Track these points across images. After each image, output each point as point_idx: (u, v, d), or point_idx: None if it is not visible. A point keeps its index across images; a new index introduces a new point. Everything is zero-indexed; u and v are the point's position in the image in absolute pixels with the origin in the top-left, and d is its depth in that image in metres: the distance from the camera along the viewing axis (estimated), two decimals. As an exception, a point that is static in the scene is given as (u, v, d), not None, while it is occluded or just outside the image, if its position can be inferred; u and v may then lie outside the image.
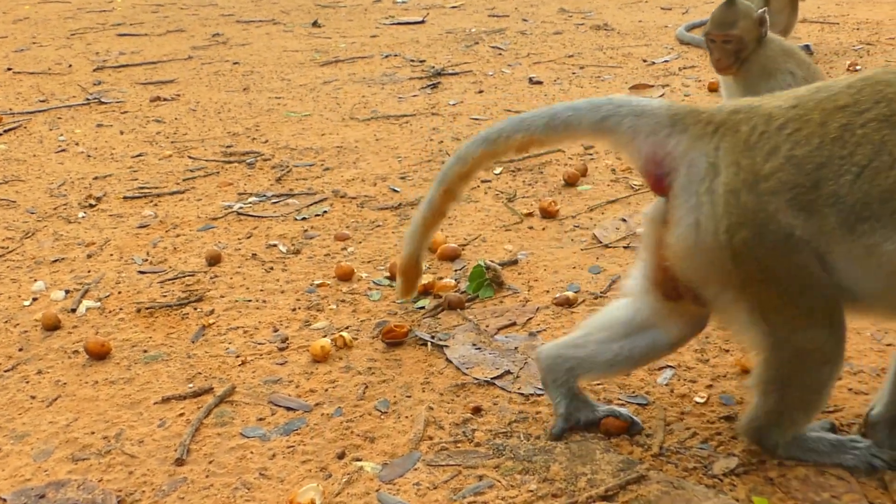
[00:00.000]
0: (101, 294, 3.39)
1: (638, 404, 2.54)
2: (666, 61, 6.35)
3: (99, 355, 2.93)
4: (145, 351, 2.98)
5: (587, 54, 6.74)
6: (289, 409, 2.63)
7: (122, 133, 5.42)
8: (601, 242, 3.62)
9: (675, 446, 2.34)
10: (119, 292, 3.41)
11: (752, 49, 3.84)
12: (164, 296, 3.37)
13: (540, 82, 6.01)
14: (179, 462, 2.38)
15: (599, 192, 4.10)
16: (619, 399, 2.56)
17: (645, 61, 6.38)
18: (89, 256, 3.74)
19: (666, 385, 2.62)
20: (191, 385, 2.76)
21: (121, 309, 3.28)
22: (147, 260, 3.69)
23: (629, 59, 6.47)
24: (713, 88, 5.56)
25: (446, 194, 2.45)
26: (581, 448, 2.35)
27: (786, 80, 3.79)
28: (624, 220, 3.78)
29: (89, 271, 3.60)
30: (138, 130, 5.47)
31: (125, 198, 4.37)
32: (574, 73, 6.20)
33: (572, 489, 2.19)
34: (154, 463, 2.39)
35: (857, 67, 5.75)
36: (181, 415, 2.62)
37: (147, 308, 3.26)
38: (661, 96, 5.51)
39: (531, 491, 2.20)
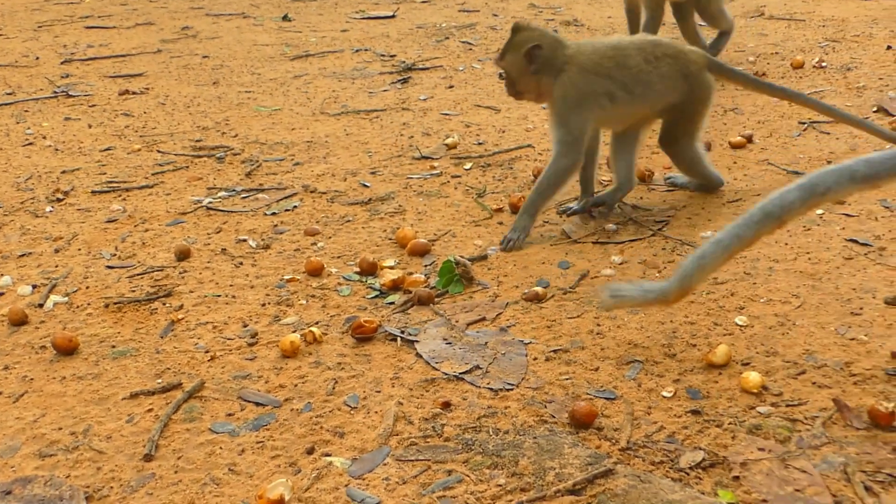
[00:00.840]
0: (68, 289, 3.37)
1: (605, 398, 2.55)
2: (636, 57, 6.38)
3: (66, 350, 2.92)
4: (113, 346, 2.97)
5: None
6: (258, 404, 2.63)
7: (90, 126, 5.39)
8: (570, 238, 3.63)
9: (642, 440, 2.36)
10: (87, 287, 3.39)
11: (540, 81, 3.65)
12: (133, 291, 3.36)
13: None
14: (148, 458, 2.38)
15: (569, 188, 4.11)
16: (587, 393, 2.58)
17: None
18: (57, 251, 3.71)
19: (633, 380, 2.64)
20: (159, 380, 2.75)
21: (89, 304, 3.26)
22: (115, 255, 3.67)
23: (599, 55, 6.49)
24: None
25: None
26: (549, 442, 2.37)
27: (601, 102, 3.62)
28: (592, 216, 3.80)
29: (57, 266, 3.58)
30: (107, 124, 5.43)
31: (93, 192, 4.34)
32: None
33: (540, 483, 2.21)
34: (122, 459, 2.38)
35: (823, 64, 5.81)
36: (150, 410, 2.61)
37: (115, 303, 3.25)
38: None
39: (500, 485, 2.21)
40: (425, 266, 3.46)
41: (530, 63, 3.60)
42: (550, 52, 3.61)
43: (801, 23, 7.12)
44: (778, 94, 4.21)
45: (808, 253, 3.35)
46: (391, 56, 6.87)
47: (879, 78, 5.46)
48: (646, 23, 5.94)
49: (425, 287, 3.27)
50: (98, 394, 2.69)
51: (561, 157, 3.60)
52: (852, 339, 2.76)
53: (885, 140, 4.09)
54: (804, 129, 4.68)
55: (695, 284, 2.64)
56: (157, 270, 3.52)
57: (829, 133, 4.60)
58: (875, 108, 4.90)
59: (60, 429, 2.52)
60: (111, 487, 2.27)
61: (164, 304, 3.25)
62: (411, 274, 3.38)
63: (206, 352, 2.91)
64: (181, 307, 3.22)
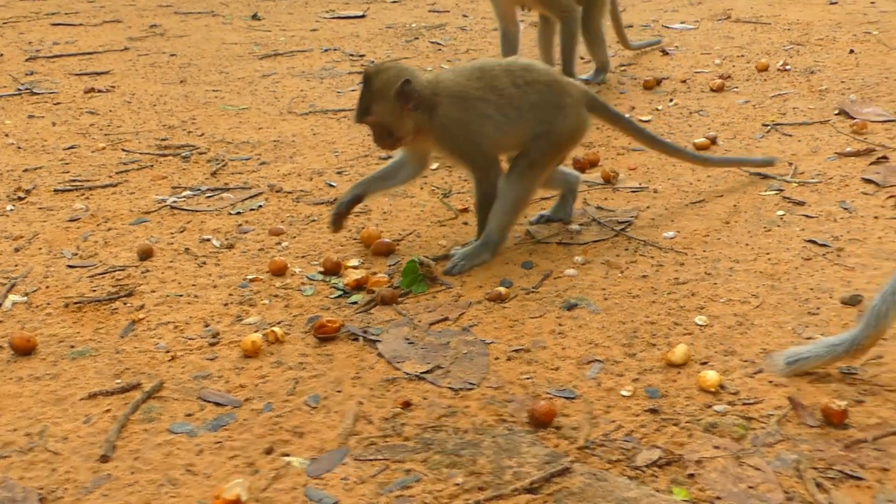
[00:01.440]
0: (28, 288, 3.35)
1: (565, 398, 2.57)
2: (603, 58, 6.40)
3: (24, 351, 2.89)
4: (72, 346, 2.95)
5: (525, 51, 6.75)
6: (218, 404, 2.62)
7: (54, 125, 5.35)
8: (534, 238, 3.64)
9: (600, 439, 2.37)
10: (47, 287, 3.37)
11: (417, 119, 3.35)
12: (94, 290, 3.34)
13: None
14: (104, 459, 2.36)
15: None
16: (547, 393, 2.59)
17: (582, 58, 6.42)
18: (17, 250, 3.68)
19: (593, 379, 2.65)
20: (118, 381, 2.74)
21: (48, 304, 3.24)
22: (77, 254, 3.65)
23: (567, 56, 6.51)
24: (648, 86, 5.63)
25: None
26: (508, 441, 2.38)
27: (484, 125, 3.36)
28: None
29: (17, 265, 3.55)
30: (71, 122, 5.39)
31: (56, 190, 4.31)
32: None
33: (498, 482, 2.22)
34: (78, 460, 2.37)
35: (788, 67, 5.86)
36: (107, 411, 2.59)
37: (75, 303, 3.23)
38: (597, 93, 5.55)
39: (458, 484, 2.22)
40: (389, 266, 3.46)
41: (406, 102, 3.28)
42: (420, 84, 3.31)
43: (767, 26, 7.18)
44: (657, 146, 3.87)
45: (768, 253, 3.38)
46: (360, 56, 6.86)
47: (842, 81, 5.52)
48: (563, 28, 5.55)
49: (389, 287, 3.27)
50: (55, 394, 2.68)
51: (484, 182, 3.43)
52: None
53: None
54: (767, 132, 4.72)
55: (890, 324, 2.53)
56: (119, 270, 3.50)
57: (791, 135, 4.64)
58: (837, 111, 4.95)
59: (15, 430, 2.50)
60: (66, 489, 2.26)
61: (125, 303, 3.23)
62: (375, 274, 3.38)
63: (167, 352, 2.90)
64: (142, 307, 3.20)
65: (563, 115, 3.42)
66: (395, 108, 3.29)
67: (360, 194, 3.64)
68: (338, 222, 3.62)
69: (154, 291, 3.32)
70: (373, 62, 6.62)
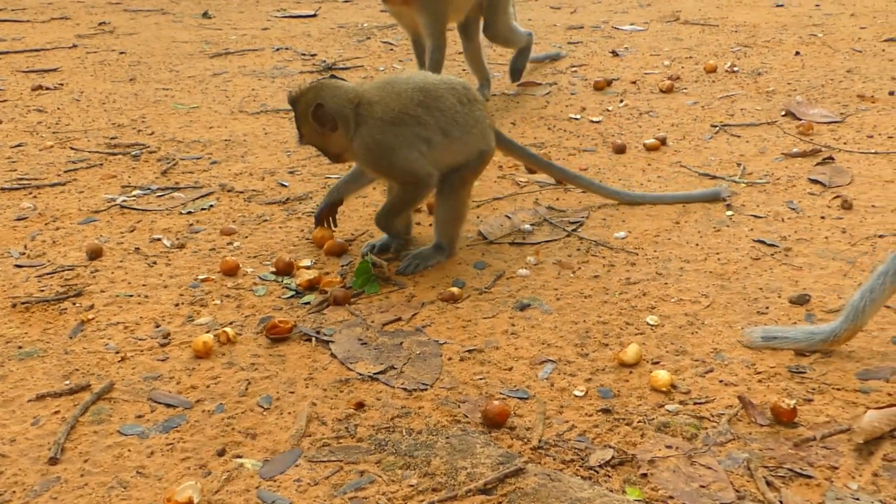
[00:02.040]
0: (-26, 289, 3.30)
1: (519, 398, 2.58)
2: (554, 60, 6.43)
3: (-29, 352, 2.85)
4: (20, 347, 2.91)
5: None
6: (169, 405, 2.60)
7: (0, 122, 5.26)
8: (486, 239, 3.66)
9: (553, 439, 2.39)
10: (-6, 287, 3.32)
11: (343, 138, 3.34)
12: (42, 290, 3.29)
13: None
14: (53, 461, 2.33)
15: (485, 188, 4.14)
16: (500, 393, 2.60)
17: (533, 59, 6.45)
18: (-37, 250, 3.63)
19: (546, 379, 2.67)
20: (67, 382, 2.71)
21: (-5, 304, 3.19)
22: (24, 253, 3.60)
23: (519, 57, 6.54)
24: (599, 87, 5.66)
25: None
26: (462, 442, 2.38)
27: (418, 149, 3.31)
28: (508, 217, 3.83)
29: (-37, 266, 3.49)
30: (18, 120, 5.31)
31: (2, 189, 4.25)
32: (464, 70, 6.23)
33: (452, 483, 2.22)
34: (26, 462, 2.34)
35: (735, 69, 5.92)
36: (56, 412, 2.56)
37: (23, 303, 3.18)
38: (547, 94, 5.59)
39: (412, 485, 2.22)
40: (342, 266, 3.46)
41: (322, 125, 3.30)
42: (337, 106, 3.28)
43: (715, 28, 7.26)
44: (556, 173, 3.92)
45: (717, 253, 3.42)
46: (312, 55, 6.83)
47: (788, 83, 5.60)
48: (431, 53, 5.21)
49: (341, 287, 3.26)
50: (2, 396, 2.64)
51: (403, 197, 3.42)
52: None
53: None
54: (716, 133, 4.77)
55: (867, 320, 2.66)
56: (68, 270, 3.45)
57: (739, 136, 4.70)
58: (783, 112, 5.02)
59: (-37, 432, 2.47)
60: (13, 492, 2.23)
61: (74, 303, 3.19)
62: (328, 274, 3.37)
63: (117, 352, 2.87)
64: (92, 307, 3.17)
65: (492, 132, 3.50)
66: (317, 131, 3.34)
67: (335, 200, 3.65)
68: (321, 220, 3.68)
69: (104, 291, 3.28)
70: (324, 62, 6.60)
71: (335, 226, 3.68)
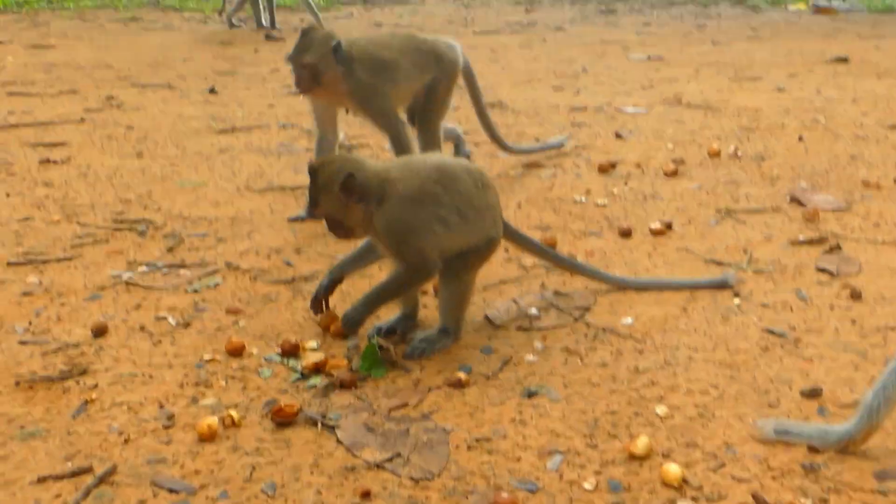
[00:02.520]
0: (-22, 366, 3.27)
1: (527, 490, 2.54)
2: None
3: (-27, 432, 2.82)
4: (22, 427, 2.88)
5: (482, 131, 6.82)
6: (171, 490, 2.56)
7: (7, 196, 5.28)
8: (493, 323, 3.64)
9: (563, 533, 2.35)
10: (-3, 364, 3.29)
11: (364, 211, 3.31)
12: (46, 368, 3.27)
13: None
14: (55, 549, 2.30)
15: (492, 271, 4.13)
16: (508, 484, 2.57)
17: (538, 140, 6.51)
18: (-33, 326, 3.61)
19: (555, 471, 2.64)
20: (69, 464, 2.67)
21: (-1, 382, 3.17)
22: (29, 330, 3.58)
23: (523, 138, 6.59)
24: (603, 170, 5.70)
25: None
26: (470, 534, 2.34)
27: (434, 230, 3.31)
28: (515, 302, 3.82)
29: (-33, 342, 3.47)
30: (25, 194, 5.33)
31: (8, 263, 4.24)
32: (469, 150, 6.28)
33: (461, 578, 2.18)
34: (28, 549, 2.30)
35: (739, 153, 5.97)
36: (58, 496, 2.53)
37: (26, 381, 3.16)
38: (552, 176, 5.62)
39: (419, 579, 2.18)
40: (348, 348, 3.44)
41: (349, 196, 3.26)
42: (364, 178, 3.27)
43: (717, 111, 7.33)
44: (565, 265, 3.96)
45: (726, 343, 3.41)
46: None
47: (792, 168, 5.63)
48: (393, 141, 4.91)
49: (348, 370, 3.24)
50: (3, 477, 2.61)
51: (404, 274, 3.37)
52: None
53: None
54: (721, 218, 4.79)
55: (882, 420, 2.61)
56: (73, 347, 3.44)
57: (744, 222, 4.71)
58: (788, 198, 5.04)
59: (-37, 516, 2.43)
60: (15, 581, 2.19)
61: (77, 382, 3.17)
62: (334, 356, 3.35)
63: (120, 434, 2.84)
64: (96, 386, 3.14)
65: (501, 220, 3.54)
66: (341, 201, 3.27)
67: (337, 278, 3.62)
68: (317, 307, 3.61)
69: (108, 370, 3.26)
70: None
71: (327, 307, 3.62)
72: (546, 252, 3.87)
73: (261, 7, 12.86)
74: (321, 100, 4.88)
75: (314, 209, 3.36)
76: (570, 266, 3.94)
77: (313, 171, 3.32)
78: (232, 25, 12.69)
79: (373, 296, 3.46)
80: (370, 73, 4.78)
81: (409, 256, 3.32)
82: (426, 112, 5.15)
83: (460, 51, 5.25)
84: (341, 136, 5.24)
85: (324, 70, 4.62)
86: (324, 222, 3.46)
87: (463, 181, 3.39)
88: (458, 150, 5.71)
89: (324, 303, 3.61)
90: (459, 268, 3.41)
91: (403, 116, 5.07)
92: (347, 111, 5.07)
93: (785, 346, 3.37)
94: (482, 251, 3.45)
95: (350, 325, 3.45)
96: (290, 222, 4.89)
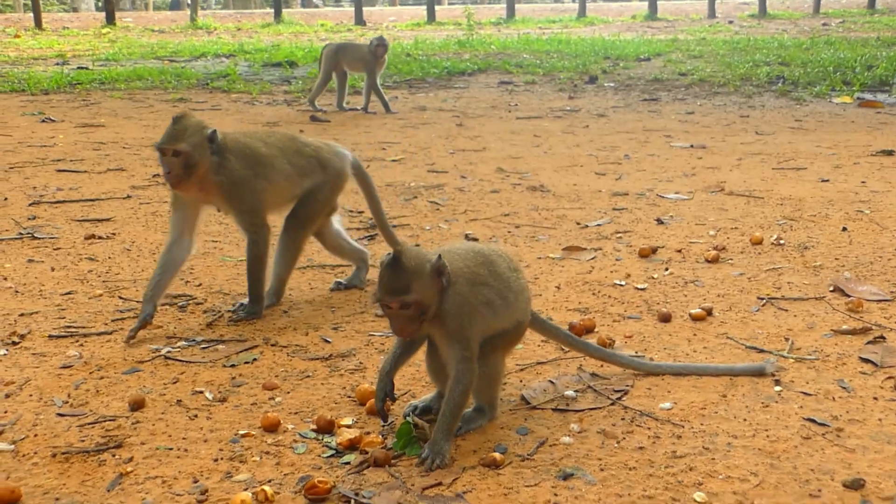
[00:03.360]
0: (16, 436, 3.29)
1: (561, 574, 2.50)
2: (599, 225, 6.50)
3: (8, 502, 2.82)
4: (57, 499, 2.88)
5: (523, 214, 6.87)
6: (203, 566, 2.54)
7: (52, 270, 5.37)
8: (529, 403, 3.62)
9: None
10: (35, 435, 3.31)
11: (439, 303, 3.22)
12: (83, 440, 3.28)
13: (475, 239, 6.10)
14: None
15: (529, 352, 4.12)
16: (542, 568, 2.52)
17: (578, 224, 6.52)
18: (7, 396, 3.64)
19: (590, 555, 2.59)
20: (102, 537, 2.67)
21: (35, 453, 3.18)
22: (67, 402, 3.60)
23: (563, 221, 6.61)
24: (644, 255, 5.69)
25: None
26: None
27: (486, 314, 3.32)
28: (552, 382, 3.79)
29: (6, 411, 3.50)
30: (70, 268, 5.41)
31: (50, 336, 4.29)
32: (510, 232, 6.31)
33: None
34: None
35: (781, 242, 5.93)
36: (89, 569, 2.51)
37: (63, 453, 3.17)
38: (592, 259, 5.62)
39: None
40: (383, 426, 3.42)
41: (440, 277, 3.19)
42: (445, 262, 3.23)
43: (760, 200, 7.32)
44: (594, 354, 3.91)
45: (766, 430, 3.35)
46: (359, 212, 6.95)
47: (835, 258, 5.59)
48: (250, 248, 4.70)
49: (382, 448, 3.22)
50: (37, 549, 2.60)
51: (468, 372, 3.24)
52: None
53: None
54: (763, 305, 4.74)
55: None
56: (110, 420, 3.45)
57: (786, 310, 4.67)
58: (832, 288, 4.99)
59: (-6, 585, 2.42)
60: None
61: (113, 455, 3.18)
62: (368, 434, 3.34)
63: (153, 508, 2.83)
64: (131, 459, 3.15)
65: (529, 304, 3.60)
66: (431, 285, 3.17)
67: (389, 387, 3.39)
68: (385, 417, 3.41)
69: (144, 444, 3.27)
70: (370, 220, 6.70)
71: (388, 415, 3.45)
72: (574, 341, 3.86)
73: (344, 90, 13.12)
74: (189, 194, 4.49)
75: (404, 296, 3.12)
76: (599, 355, 3.91)
77: (399, 255, 3.14)
78: (316, 109, 12.91)
79: (447, 420, 3.23)
80: (244, 166, 4.51)
81: (464, 340, 3.24)
82: (296, 218, 4.86)
83: (349, 159, 4.96)
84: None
85: (198, 160, 4.33)
86: (392, 320, 3.21)
87: (499, 265, 3.41)
88: (357, 275, 5.18)
89: (386, 413, 3.41)
90: (490, 350, 3.39)
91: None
92: (218, 210, 4.79)
93: (827, 436, 3.31)
94: (512, 335, 3.47)
95: (441, 462, 3.13)
96: (331, 291, 4.94)
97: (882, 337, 4.23)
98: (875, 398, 3.62)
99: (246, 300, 4.74)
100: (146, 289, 4.49)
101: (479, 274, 3.35)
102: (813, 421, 3.42)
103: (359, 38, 26.24)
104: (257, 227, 4.65)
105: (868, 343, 4.18)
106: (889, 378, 3.79)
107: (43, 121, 11.72)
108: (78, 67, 18.35)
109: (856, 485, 2.94)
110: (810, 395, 3.66)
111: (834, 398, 3.62)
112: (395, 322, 3.19)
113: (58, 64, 19.42)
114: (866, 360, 3.98)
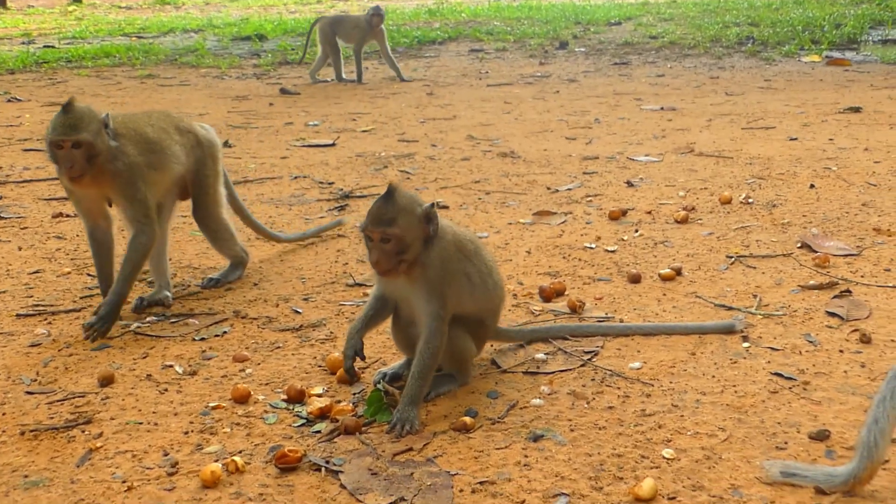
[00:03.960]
0: (-17, 415, 3.27)
1: (531, 533, 2.51)
2: (569, 189, 6.50)
3: (-24, 480, 2.81)
4: (26, 476, 2.87)
5: (493, 180, 6.87)
6: (173, 537, 2.55)
7: (20, 249, 5.32)
8: (499, 367, 3.63)
9: (566, 577, 2.32)
10: (3, 414, 3.29)
11: (421, 250, 3.23)
12: (52, 417, 3.27)
13: (446, 207, 6.09)
14: None
15: (500, 317, 4.12)
16: (512, 528, 2.54)
17: (549, 188, 6.52)
18: (-25, 375, 3.62)
19: (560, 514, 2.61)
20: (72, 512, 2.66)
21: (3, 431, 3.16)
22: (36, 380, 3.58)
23: (534, 186, 6.61)
24: (614, 217, 5.70)
25: None
26: (472, 579, 2.31)
27: (463, 284, 3.36)
28: (522, 346, 3.80)
29: (-27, 391, 3.48)
30: (37, 247, 5.37)
31: (18, 315, 4.26)
32: (480, 199, 6.30)
33: None
34: None
35: (750, 201, 5.95)
36: (59, 544, 2.51)
37: (31, 430, 3.15)
38: (562, 223, 5.62)
39: None
40: (354, 394, 3.42)
41: (428, 225, 3.24)
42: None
43: (729, 160, 7.33)
44: (566, 332, 3.93)
45: (734, 386, 3.38)
46: (329, 183, 6.92)
47: (803, 215, 5.62)
48: (134, 239, 4.26)
49: (353, 416, 3.23)
50: (6, 526, 2.59)
51: (439, 333, 3.25)
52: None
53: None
54: (731, 263, 4.77)
55: (882, 454, 2.57)
56: (79, 396, 3.44)
57: (755, 267, 4.69)
58: (799, 244, 5.02)
59: (-38, 563, 2.42)
60: None
61: (83, 431, 3.16)
62: (339, 402, 3.34)
63: (123, 482, 2.83)
64: (100, 435, 3.14)
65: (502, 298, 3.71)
66: (416, 229, 3.20)
67: (359, 346, 3.41)
68: (354, 376, 3.48)
69: (113, 419, 3.25)
70: (341, 190, 6.68)
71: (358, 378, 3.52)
72: (540, 332, 3.90)
73: (341, 62, 13.04)
74: (88, 188, 4.14)
75: (387, 228, 3.15)
76: (570, 332, 3.92)
77: (393, 190, 3.20)
78: (316, 81, 12.87)
79: (416, 382, 3.24)
80: (139, 153, 4.21)
81: (436, 307, 3.26)
82: (202, 203, 4.68)
83: (212, 129, 4.78)
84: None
85: (100, 149, 4.01)
86: (371, 251, 3.21)
87: (486, 255, 3.52)
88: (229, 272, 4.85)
89: (355, 372, 3.47)
90: (457, 326, 3.40)
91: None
92: (110, 204, 4.36)
93: (793, 390, 3.33)
94: (476, 325, 3.51)
95: (411, 429, 3.13)
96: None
97: (848, 291, 4.26)
98: (841, 351, 3.65)
99: (215, 274, 4.72)
100: (100, 283, 4.38)
101: (468, 248, 3.41)
102: (780, 375, 3.45)
103: (328, 9, 26.06)
104: (150, 220, 4.24)
105: (834, 297, 4.21)
106: (854, 331, 3.82)
107: (9, 100, 11.58)
108: (44, 46, 18.13)
109: (821, 436, 2.97)
110: (778, 350, 3.68)
111: (801, 352, 3.65)
112: (374, 254, 3.20)
113: (24, 43, 19.18)
114: (833, 314, 4.02)
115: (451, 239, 3.36)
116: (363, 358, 3.44)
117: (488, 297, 3.49)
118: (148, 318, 4.22)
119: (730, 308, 4.14)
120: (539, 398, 3.34)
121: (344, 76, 13.08)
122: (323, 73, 13.40)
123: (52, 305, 4.40)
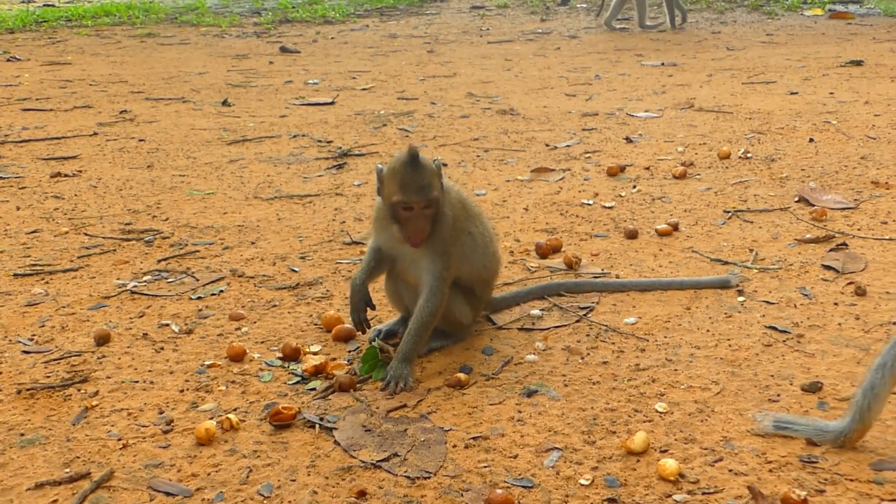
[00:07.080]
0: (-20, 374, 3.29)
1: (523, 487, 2.53)
2: (568, 146, 6.48)
3: (-28, 438, 2.83)
4: (22, 434, 2.89)
5: (492, 138, 6.84)
6: (168, 494, 2.56)
7: (18, 209, 5.32)
8: (494, 324, 3.63)
9: (557, 530, 2.33)
10: (0, 373, 3.30)
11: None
12: (48, 376, 3.28)
13: (445, 164, 6.07)
14: (47, 550, 2.30)
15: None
16: (504, 482, 2.55)
17: (547, 145, 6.50)
18: (-28, 335, 3.63)
19: (552, 467, 2.62)
20: (67, 470, 2.67)
21: (0, 390, 3.18)
22: (33, 339, 3.59)
23: (532, 143, 6.59)
24: (612, 173, 5.68)
25: None
26: (463, 532, 2.33)
27: (466, 243, 3.35)
28: (517, 303, 3.80)
29: (-30, 351, 3.49)
30: (35, 206, 5.37)
31: (15, 275, 4.27)
32: (478, 156, 6.28)
33: (452, 575, 2.17)
34: (20, 551, 2.30)
35: (749, 155, 5.93)
36: (54, 501, 2.53)
37: (28, 389, 3.17)
38: (560, 180, 5.61)
39: (410, 577, 2.17)
40: (349, 352, 3.43)
41: (440, 181, 3.23)
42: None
43: (729, 115, 7.30)
44: (562, 288, 3.90)
45: (728, 340, 3.38)
46: (328, 142, 6.90)
47: (802, 169, 5.60)
48: None
49: (347, 373, 3.24)
50: (1, 484, 2.61)
51: (440, 293, 3.24)
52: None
53: None
54: (728, 218, 4.76)
55: (874, 417, 2.60)
56: (75, 355, 3.45)
57: (752, 222, 4.68)
58: (797, 198, 5.01)
59: (-42, 520, 2.44)
60: (6, 582, 2.19)
61: (79, 390, 3.18)
62: (334, 360, 3.35)
63: (119, 439, 2.84)
64: (96, 393, 3.15)
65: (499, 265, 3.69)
66: (440, 184, 3.20)
67: (365, 297, 3.40)
68: (363, 328, 3.44)
69: (109, 377, 3.27)
70: (339, 148, 6.66)
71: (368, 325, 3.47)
72: (536, 290, 3.89)
73: (645, 7, 12.79)
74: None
75: (428, 194, 3.10)
76: (567, 289, 3.91)
77: (417, 154, 3.13)
78: (612, 29, 12.66)
79: (412, 338, 3.23)
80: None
81: (440, 266, 3.23)
82: None
83: None
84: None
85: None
86: (409, 223, 3.13)
87: (487, 223, 3.52)
88: None
89: (364, 322, 3.43)
90: (453, 290, 3.39)
91: None
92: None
93: (787, 343, 3.34)
94: (482, 292, 3.52)
95: (405, 386, 3.13)
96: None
97: (844, 244, 4.26)
98: (835, 304, 3.65)
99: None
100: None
101: (472, 209, 3.42)
102: (774, 328, 3.45)
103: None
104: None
105: (830, 250, 4.21)
106: (850, 283, 3.82)
107: (8, 60, 11.54)
108: (44, 5, 18.05)
109: (813, 388, 2.98)
110: (773, 303, 3.68)
111: (796, 305, 3.65)
112: (414, 224, 3.12)
113: (23, 2, 19.08)
114: (828, 267, 4.01)
115: (455, 196, 3.36)
116: (373, 307, 3.43)
117: (486, 265, 3.46)
118: (145, 278, 4.22)
119: (726, 263, 4.13)
120: (534, 354, 3.35)
121: (648, 22, 12.77)
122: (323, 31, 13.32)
123: (49, 265, 4.40)
